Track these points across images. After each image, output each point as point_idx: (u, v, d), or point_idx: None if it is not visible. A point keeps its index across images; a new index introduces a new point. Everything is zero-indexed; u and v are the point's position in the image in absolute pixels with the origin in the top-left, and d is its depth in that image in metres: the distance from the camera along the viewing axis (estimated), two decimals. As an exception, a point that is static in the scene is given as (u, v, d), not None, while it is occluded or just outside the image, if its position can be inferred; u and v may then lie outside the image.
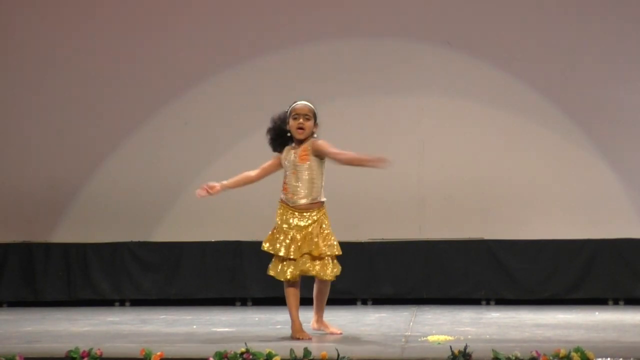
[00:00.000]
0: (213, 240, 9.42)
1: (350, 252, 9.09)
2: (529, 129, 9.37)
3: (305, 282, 6.59)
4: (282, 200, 6.56)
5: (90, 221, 9.53)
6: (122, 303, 9.41)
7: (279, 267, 6.45)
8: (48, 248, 9.49)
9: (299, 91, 9.26)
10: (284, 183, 6.53)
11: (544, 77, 9.34)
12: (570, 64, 9.33)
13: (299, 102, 6.56)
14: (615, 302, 9.10)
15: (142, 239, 9.48)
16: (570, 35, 9.34)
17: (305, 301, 6.62)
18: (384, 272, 9.29)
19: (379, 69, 9.44)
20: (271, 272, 6.49)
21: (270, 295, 8.82)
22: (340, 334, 6.61)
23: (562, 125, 9.33)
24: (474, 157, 9.37)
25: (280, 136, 6.56)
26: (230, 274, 9.37)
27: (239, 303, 9.35)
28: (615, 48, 9.31)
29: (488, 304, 9.16)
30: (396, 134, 9.41)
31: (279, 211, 6.55)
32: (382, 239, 9.37)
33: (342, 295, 9.14)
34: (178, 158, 9.56)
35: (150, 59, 9.58)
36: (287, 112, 6.57)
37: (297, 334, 6.35)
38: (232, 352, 5.12)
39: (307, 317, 6.62)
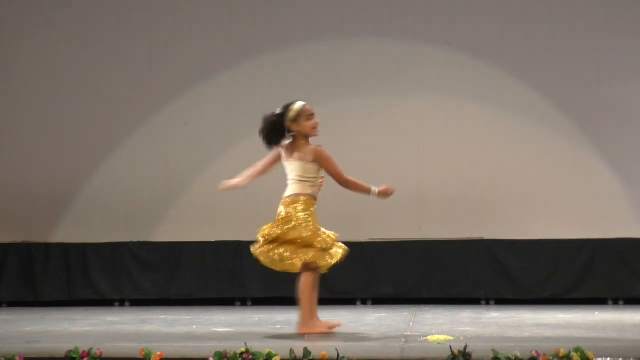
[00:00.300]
0: (213, 240, 9.42)
1: (350, 252, 9.08)
2: (528, 129, 9.37)
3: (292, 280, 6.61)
4: (310, 196, 6.61)
5: (90, 221, 9.53)
6: (122, 303, 9.42)
7: (325, 256, 6.52)
8: (48, 248, 9.49)
9: (298, 91, 9.26)
10: (321, 177, 6.63)
11: (543, 77, 9.35)
12: (570, 64, 9.33)
13: (304, 103, 6.65)
14: (615, 302, 9.10)
15: (142, 239, 9.49)
16: (570, 35, 9.34)
17: (289, 301, 6.64)
18: (384, 272, 9.29)
19: (379, 69, 9.44)
20: (324, 262, 6.53)
21: (270, 295, 8.82)
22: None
23: (562, 125, 9.33)
24: (474, 157, 9.37)
25: (277, 134, 6.62)
26: (230, 274, 9.37)
27: (238, 303, 9.35)
28: (615, 48, 9.31)
29: (488, 303, 9.16)
30: (396, 134, 9.42)
31: (311, 209, 6.60)
32: (382, 238, 9.37)
33: (342, 295, 9.16)
34: (178, 158, 9.56)
35: (150, 59, 9.58)
36: (280, 113, 6.63)
37: (321, 327, 6.49)
38: (232, 352, 5.12)
39: (292, 318, 6.62)
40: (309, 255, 6.46)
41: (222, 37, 9.56)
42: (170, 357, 5.22)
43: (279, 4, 9.56)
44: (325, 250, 6.52)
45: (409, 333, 6.53)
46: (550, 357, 4.97)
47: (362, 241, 9.31)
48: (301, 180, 6.59)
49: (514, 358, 4.97)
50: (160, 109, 9.59)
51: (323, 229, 6.58)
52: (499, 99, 9.38)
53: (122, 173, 9.56)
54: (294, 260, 6.46)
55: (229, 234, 9.36)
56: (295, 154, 6.58)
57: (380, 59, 9.44)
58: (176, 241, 9.44)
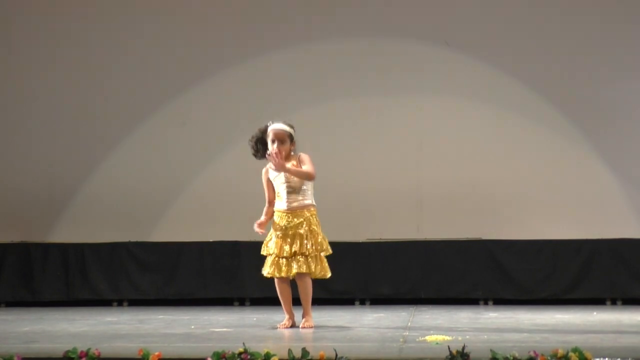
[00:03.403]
0: (211, 240, 9.42)
1: (348, 252, 9.12)
2: (526, 129, 9.37)
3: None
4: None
5: (89, 221, 9.52)
6: (120, 303, 9.41)
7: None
8: (46, 248, 9.48)
9: (297, 91, 9.32)
10: (277, 192, 6.96)
11: (542, 77, 9.34)
12: (569, 64, 9.33)
13: (275, 126, 6.91)
14: (613, 302, 9.10)
15: (140, 239, 9.48)
16: (569, 35, 9.34)
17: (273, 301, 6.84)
18: (382, 272, 9.29)
19: (377, 69, 9.43)
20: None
21: (268, 296, 8.80)
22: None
23: (560, 125, 9.33)
24: (472, 157, 9.37)
25: (262, 145, 6.94)
26: (228, 274, 9.37)
27: (237, 303, 9.35)
28: (614, 48, 9.31)
29: (486, 304, 9.16)
30: (394, 134, 9.41)
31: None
32: (380, 239, 9.37)
33: (340, 295, 9.16)
34: (176, 158, 9.56)
35: (148, 59, 9.57)
36: (267, 125, 6.95)
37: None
38: (230, 352, 5.12)
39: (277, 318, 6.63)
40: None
41: (221, 37, 9.55)
42: (168, 357, 5.22)
43: (278, 4, 9.55)
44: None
45: (407, 333, 6.53)
46: (549, 357, 4.97)
47: (360, 241, 9.31)
48: None
49: (512, 358, 4.96)
50: (158, 109, 9.59)
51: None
52: (498, 99, 9.38)
53: (120, 173, 9.56)
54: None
55: (228, 234, 9.36)
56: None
57: (379, 59, 9.43)
58: (174, 241, 9.44)
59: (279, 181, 6.91)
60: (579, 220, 9.25)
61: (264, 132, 6.91)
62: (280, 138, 6.85)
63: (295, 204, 6.89)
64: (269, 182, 6.98)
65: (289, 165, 6.81)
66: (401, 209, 9.37)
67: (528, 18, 9.37)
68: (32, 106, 9.61)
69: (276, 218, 6.92)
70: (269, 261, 6.93)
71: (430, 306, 8.85)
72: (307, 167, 6.85)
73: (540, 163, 9.36)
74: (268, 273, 6.93)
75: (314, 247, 6.87)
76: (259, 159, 6.94)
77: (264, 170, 7.01)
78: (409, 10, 9.43)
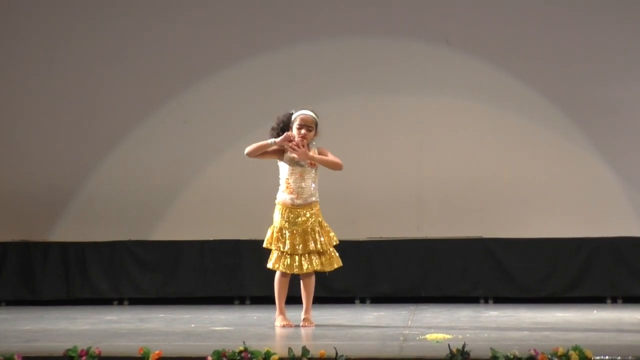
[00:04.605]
0: (211, 239, 9.42)
1: (349, 251, 9.08)
2: (527, 127, 9.36)
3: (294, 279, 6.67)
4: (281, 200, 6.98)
5: (89, 220, 9.52)
6: (120, 302, 9.41)
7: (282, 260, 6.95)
8: (46, 247, 9.48)
9: (297, 91, 9.32)
10: (287, 183, 6.89)
11: (543, 76, 9.34)
12: (570, 63, 9.33)
13: (304, 112, 6.92)
14: (614, 301, 9.10)
15: (140, 238, 9.48)
16: (570, 34, 9.34)
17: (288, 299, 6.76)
18: (383, 271, 9.29)
19: (377, 68, 9.43)
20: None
21: (268, 294, 8.80)
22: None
23: (561, 124, 9.32)
24: (473, 155, 9.37)
25: (282, 131, 6.90)
26: (228, 272, 9.37)
27: (237, 302, 9.35)
28: (614, 47, 9.30)
29: (486, 302, 9.16)
30: (395, 133, 9.41)
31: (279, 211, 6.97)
32: (381, 237, 9.37)
33: (341, 294, 9.16)
34: (176, 157, 9.55)
35: (148, 58, 9.57)
36: (291, 113, 6.92)
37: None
38: (231, 351, 5.12)
39: (290, 316, 6.62)
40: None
41: (221, 35, 9.54)
42: (168, 356, 5.23)
43: (278, 3, 9.55)
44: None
45: (407, 332, 6.53)
46: (549, 356, 4.98)
47: (361, 240, 9.31)
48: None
49: (512, 357, 4.97)
50: (158, 107, 9.59)
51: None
52: (498, 97, 9.38)
53: (120, 172, 9.56)
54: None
55: (228, 232, 9.36)
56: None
57: (379, 58, 9.43)
58: (175, 240, 9.44)
59: (296, 174, 6.88)
60: (579, 219, 9.25)
61: (288, 118, 6.89)
62: (308, 124, 6.85)
63: (300, 201, 6.89)
64: (276, 152, 6.87)
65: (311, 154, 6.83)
66: (401, 207, 9.37)
67: (529, 17, 9.36)
68: (32, 105, 9.61)
69: (282, 212, 6.90)
70: (279, 256, 6.90)
71: (431, 305, 8.85)
72: (333, 157, 6.89)
73: (540, 162, 9.36)
74: (278, 268, 6.90)
75: (327, 243, 6.90)
76: (274, 137, 6.87)
77: (278, 147, 6.85)
78: (409, 9, 9.43)
